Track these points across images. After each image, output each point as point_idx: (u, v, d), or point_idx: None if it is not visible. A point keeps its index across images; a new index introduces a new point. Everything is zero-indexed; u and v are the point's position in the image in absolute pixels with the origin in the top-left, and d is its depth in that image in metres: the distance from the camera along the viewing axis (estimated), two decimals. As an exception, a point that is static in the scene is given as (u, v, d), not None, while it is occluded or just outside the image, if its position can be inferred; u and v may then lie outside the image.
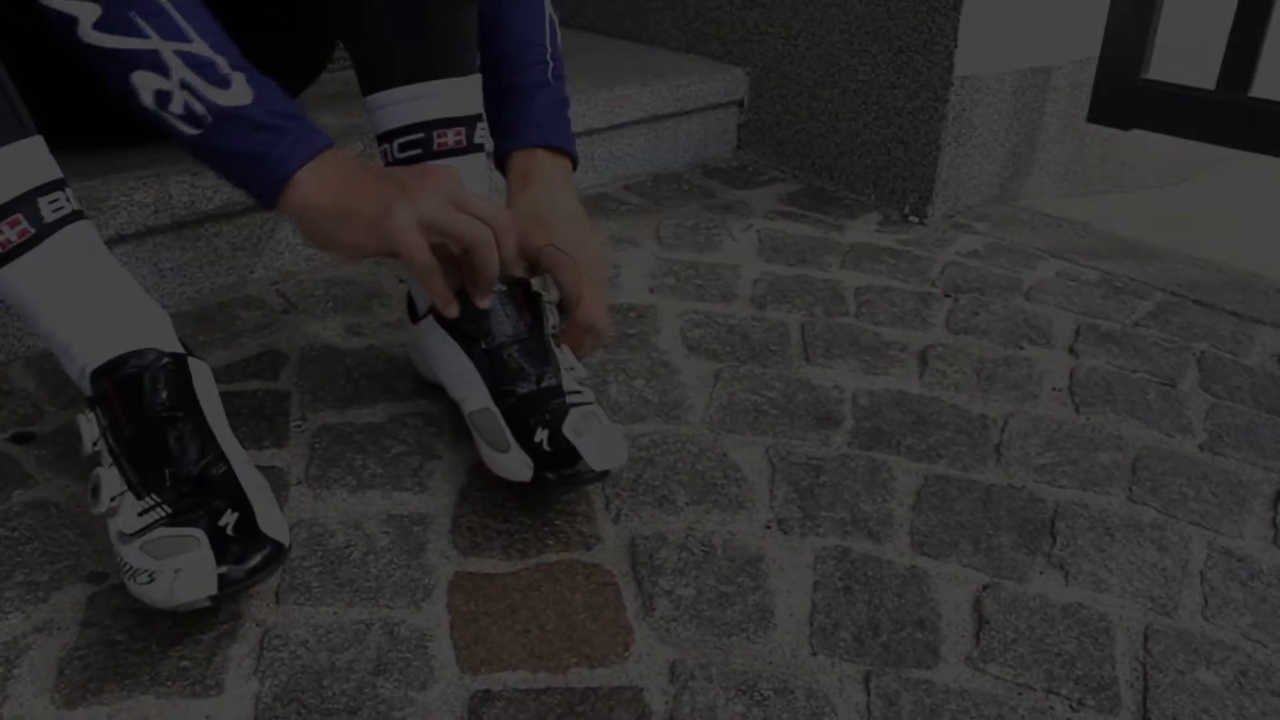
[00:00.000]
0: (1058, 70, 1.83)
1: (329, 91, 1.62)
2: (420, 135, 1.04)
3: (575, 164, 1.13)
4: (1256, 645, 0.89)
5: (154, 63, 0.86)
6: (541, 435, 0.95)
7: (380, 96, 1.04)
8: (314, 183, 0.90)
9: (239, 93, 0.88)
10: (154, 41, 0.85)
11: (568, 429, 0.95)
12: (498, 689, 0.80)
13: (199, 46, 0.86)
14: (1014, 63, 1.73)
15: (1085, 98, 1.85)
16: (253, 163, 0.89)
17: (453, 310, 0.96)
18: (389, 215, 0.89)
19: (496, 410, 0.99)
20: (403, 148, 1.04)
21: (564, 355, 1.04)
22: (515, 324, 1.01)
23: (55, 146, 0.90)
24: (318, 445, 1.06)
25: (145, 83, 0.87)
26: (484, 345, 1.00)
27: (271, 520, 0.85)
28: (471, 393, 1.01)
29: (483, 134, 1.08)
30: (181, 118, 0.88)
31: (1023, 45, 1.74)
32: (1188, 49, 1.85)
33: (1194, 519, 1.04)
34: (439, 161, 1.04)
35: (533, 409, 0.97)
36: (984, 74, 1.67)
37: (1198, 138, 1.73)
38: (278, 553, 0.82)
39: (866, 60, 1.71)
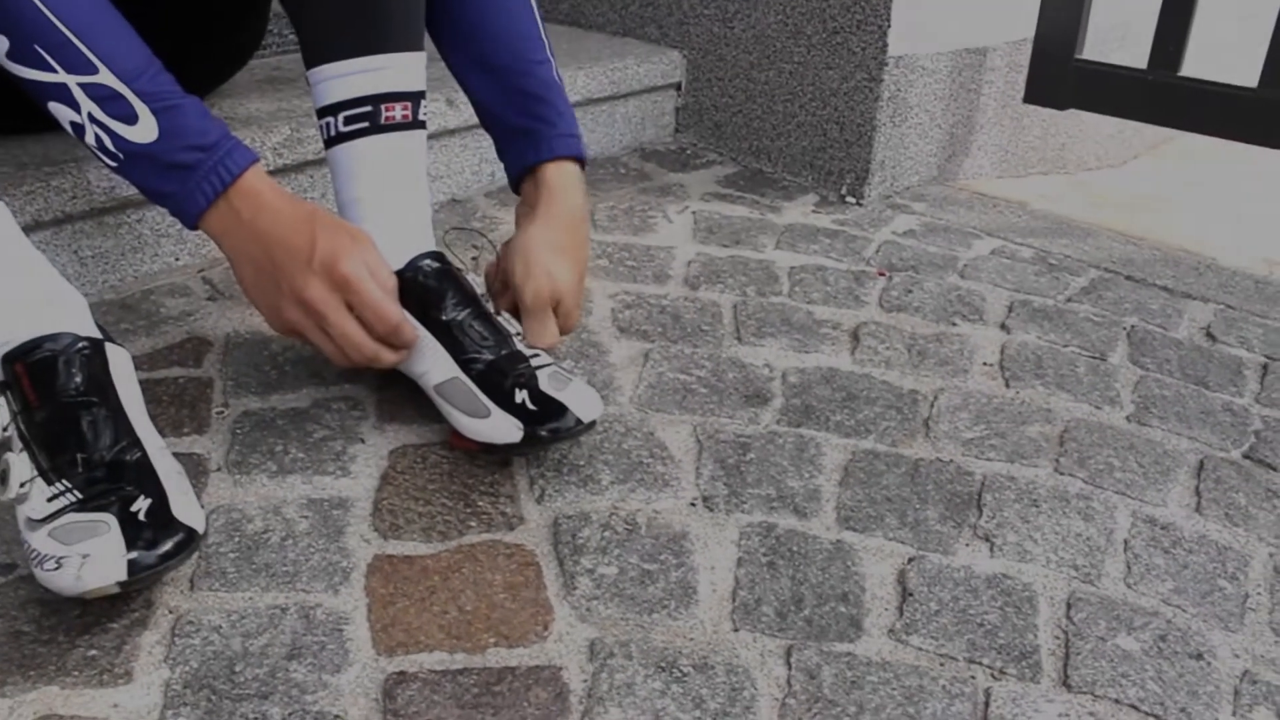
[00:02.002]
0: (994, 51, 1.84)
1: (259, 76, 1.60)
2: (368, 109, 1.03)
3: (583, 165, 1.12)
4: (1176, 610, 0.90)
5: (63, 97, 0.84)
6: (521, 396, 0.97)
7: (327, 69, 1.03)
8: (217, 228, 0.91)
9: (145, 129, 0.86)
10: (60, 75, 0.84)
11: (545, 387, 0.97)
12: (413, 670, 0.79)
13: (105, 77, 0.84)
14: (949, 43, 1.73)
15: (1022, 79, 1.86)
16: (165, 200, 0.89)
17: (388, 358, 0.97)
18: (267, 317, 0.94)
19: (466, 378, 0.99)
20: (349, 120, 1.03)
21: (510, 322, 1.06)
22: (459, 294, 1.03)
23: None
24: (239, 431, 1.04)
25: (60, 114, 0.86)
26: (444, 317, 1.01)
27: (185, 506, 0.83)
28: (435, 364, 1.01)
29: (425, 111, 1.08)
30: (97, 149, 0.87)
31: (957, 26, 1.74)
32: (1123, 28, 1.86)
33: (1119, 489, 1.05)
34: (377, 138, 1.04)
35: (503, 374, 0.99)
36: (918, 54, 1.67)
37: (1130, 117, 1.74)
38: (190, 539, 0.81)
39: (801, 41, 1.70)
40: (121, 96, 0.84)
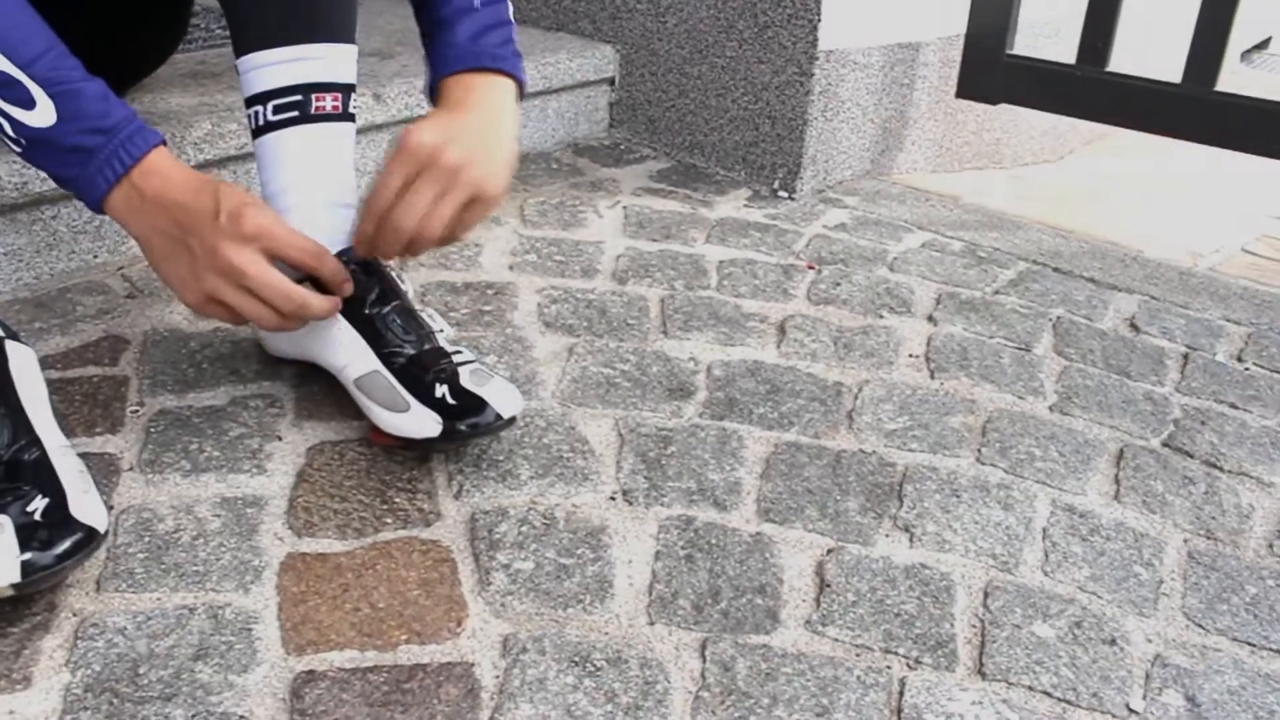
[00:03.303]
0: (927, 46, 1.85)
1: (183, 70, 1.58)
2: (299, 98, 1.02)
3: (519, 84, 1.04)
4: (1092, 597, 0.91)
5: None
6: (442, 390, 0.96)
7: (258, 56, 1.01)
8: (123, 210, 0.88)
9: (43, 114, 0.84)
10: None
11: (466, 382, 0.96)
12: (323, 669, 0.77)
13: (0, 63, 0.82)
14: (881, 38, 1.74)
15: (955, 74, 1.87)
16: (69, 184, 0.87)
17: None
18: (185, 293, 0.90)
19: (386, 372, 0.98)
20: (278, 109, 1.02)
21: (433, 319, 1.05)
22: (382, 288, 1.02)
23: None
24: (154, 430, 1.02)
25: None
26: (367, 311, 1.00)
27: (86, 506, 0.81)
28: (356, 358, 1.00)
29: (355, 104, 1.07)
30: (2, 135, 0.85)
31: (889, 21, 1.75)
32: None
33: (1040, 478, 1.05)
34: (298, 130, 1.03)
35: (424, 368, 0.98)
36: (850, 48, 1.67)
37: (1059, 111, 1.76)
38: (90, 538, 0.79)
39: (733, 36, 1.70)
40: (17, 81, 0.82)
